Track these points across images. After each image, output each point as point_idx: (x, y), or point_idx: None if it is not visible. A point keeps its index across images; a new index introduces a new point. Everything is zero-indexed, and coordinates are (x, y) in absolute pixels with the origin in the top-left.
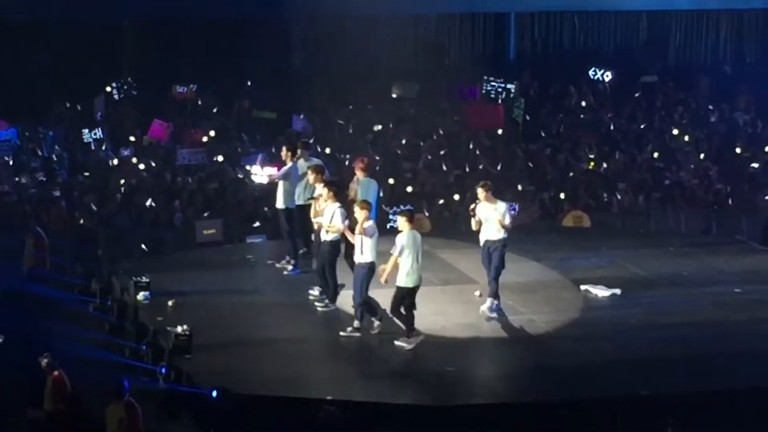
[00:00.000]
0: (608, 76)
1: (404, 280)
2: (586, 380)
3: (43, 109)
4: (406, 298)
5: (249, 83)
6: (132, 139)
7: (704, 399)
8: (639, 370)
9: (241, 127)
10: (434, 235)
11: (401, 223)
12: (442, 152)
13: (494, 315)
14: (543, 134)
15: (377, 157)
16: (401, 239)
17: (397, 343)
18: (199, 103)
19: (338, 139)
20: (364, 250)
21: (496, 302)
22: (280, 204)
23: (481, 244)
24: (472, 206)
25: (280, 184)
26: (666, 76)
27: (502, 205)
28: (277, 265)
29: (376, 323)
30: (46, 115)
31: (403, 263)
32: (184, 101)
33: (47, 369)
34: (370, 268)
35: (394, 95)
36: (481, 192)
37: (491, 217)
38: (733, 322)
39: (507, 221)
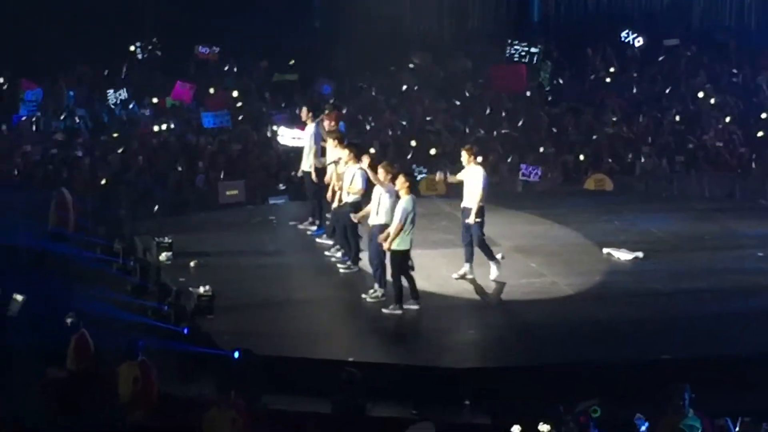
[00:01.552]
0: (639, 42)
1: (398, 243)
2: (607, 344)
3: (66, 69)
4: (405, 261)
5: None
6: (155, 100)
7: (726, 363)
8: (660, 333)
9: (263, 89)
10: (457, 197)
11: (402, 187)
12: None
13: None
14: (567, 97)
15: (404, 123)
16: (402, 204)
17: (386, 311)
18: (224, 67)
19: (360, 102)
20: (380, 211)
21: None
22: (306, 167)
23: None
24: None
25: (306, 146)
26: (689, 40)
27: (480, 172)
28: (300, 227)
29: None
30: (68, 76)
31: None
32: (206, 62)
33: (71, 328)
34: (385, 230)
35: (415, 61)
36: (464, 155)
37: (470, 183)
38: (755, 285)
39: (479, 189)
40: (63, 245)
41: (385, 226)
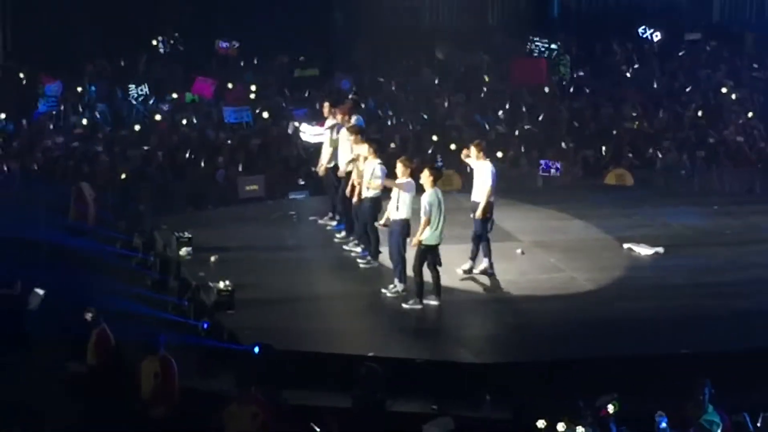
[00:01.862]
0: (657, 36)
1: (427, 238)
2: (627, 339)
3: (87, 64)
4: (428, 255)
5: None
6: (174, 96)
7: (746, 359)
8: (681, 329)
9: (283, 84)
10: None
11: (426, 181)
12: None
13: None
14: (587, 91)
15: (425, 116)
16: (427, 198)
17: (406, 306)
18: (241, 63)
19: (380, 97)
20: (400, 207)
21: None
22: (326, 162)
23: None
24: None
25: (326, 141)
26: (710, 33)
27: (488, 167)
28: (320, 222)
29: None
30: (89, 70)
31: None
32: (226, 57)
33: (91, 323)
34: (405, 225)
35: (438, 56)
36: (473, 150)
37: (479, 178)
38: None
39: (488, 185)
40: (83, 239)
41: (406, 221)
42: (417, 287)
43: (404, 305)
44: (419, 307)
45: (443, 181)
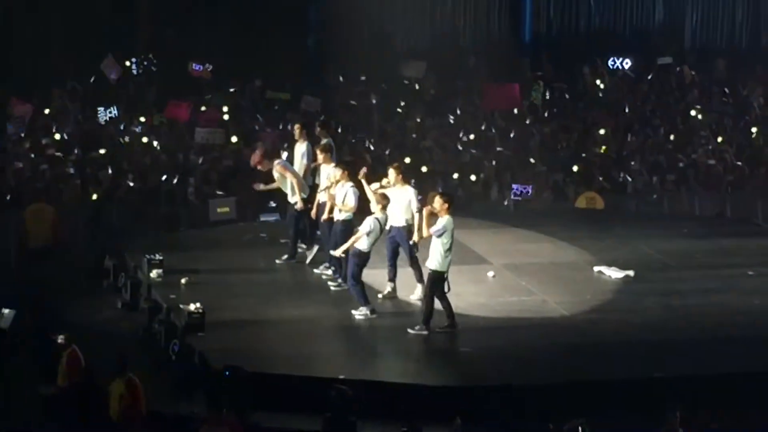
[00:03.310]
0: (627, 64)
1: (441, 263)
2: (597, 362)
3: (58, 84)
4: (441, 282)
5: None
6: (142, 119)
7: (717, 383)
8: (652, 352)
9: (255, 107)
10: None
11: (440, 206)
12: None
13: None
14: (558, 116)
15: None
16: (443, 222)
17: (412, 331)
18: (217, 84)
19: (351, 120)
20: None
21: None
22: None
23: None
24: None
25: (296, 165)
26: (682, 59)
27: (411, 190)
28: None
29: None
30: (60, 91)
31: (441, 246)
32: (199, 79)
33: (63, 345)
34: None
35: (404, 74)
36: (392, 173)
37: (399, 202)
38: (746, 305)
39: (414, 207)
40: (51, 261)
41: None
42: (427, 313)
43: (410, 330)
44: (425, 333)
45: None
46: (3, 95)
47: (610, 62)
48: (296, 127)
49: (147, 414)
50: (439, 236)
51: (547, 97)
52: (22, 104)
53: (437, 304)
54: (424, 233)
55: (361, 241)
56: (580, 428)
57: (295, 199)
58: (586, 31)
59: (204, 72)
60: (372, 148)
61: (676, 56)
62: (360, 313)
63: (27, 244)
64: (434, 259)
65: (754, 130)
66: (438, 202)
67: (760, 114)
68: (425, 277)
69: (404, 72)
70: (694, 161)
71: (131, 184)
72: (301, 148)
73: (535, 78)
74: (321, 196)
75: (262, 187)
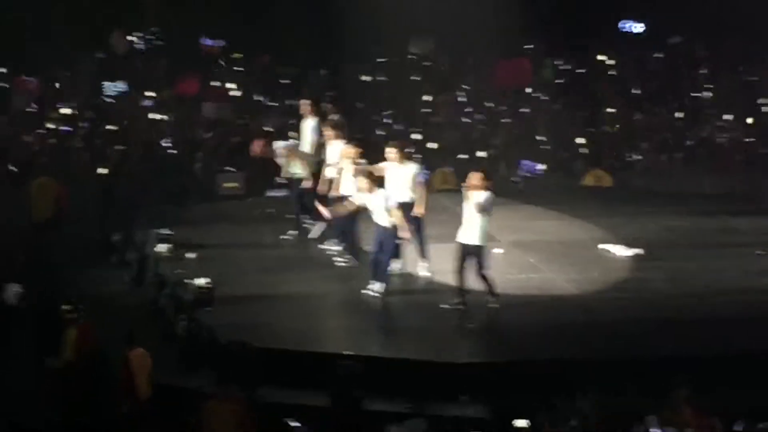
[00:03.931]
0: (638, 28)
1: (485, 238)
2: (605, 339)
3: (68, 58)
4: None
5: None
6: (152, 94)
7: (724, 362)
8: (658, 331)
9: (264, 83)
10: (456, 191)
11: (482, 182)
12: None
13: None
14: (567, 93)
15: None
16: (488, 197)
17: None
18: (223, 61)
19: (363, 96)
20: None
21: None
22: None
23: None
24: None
25: (305, 141)
26: (693, 35)
27: (412, 166)
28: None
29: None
30: (70, 65)
31: (484, 222)
32: (210, 55)
33: (72, 319)
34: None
35: (410, 51)
36: (390, 152)
37: (401, 178)
38: (753, 283)
39: (420, 179)
40: (58, 236)
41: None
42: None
43: (446, 306)
44: (462, 307)
45: (442, 180)
46: (10, 72)
47: (620, 25)
48: (304, 102)
49: (154, 388)
50: (484, 211)
51: (554, 74)
52: (29, 80)
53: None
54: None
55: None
56: (588, 406)
57: (302, 175)
58: (596, 6)
59: (215, 48)
60: (386, 123)
61: (687, 33)
62: (375, 290)
63: (32, 218)
64: (477, 234)
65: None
66: (478, 178)
67: None
68: (457, 252)
69: (412, 48)
70: (703, 139)
71: (139, 159)
72: (310, 123)
73: (545, 55)
74: (329, 172)
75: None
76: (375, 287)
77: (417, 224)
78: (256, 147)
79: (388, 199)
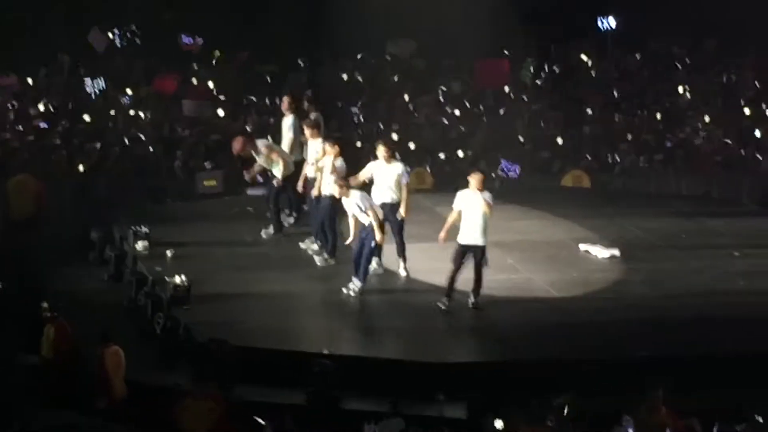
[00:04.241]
0: (613, 22)
1: (487, 237)
2: (582, 340)
3: (46, 56)
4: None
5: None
6: (129, 92)
7: (701, 363)
8: (636, 331)
9: (244, 80)
10: (435, 191)
11: (482, 182)
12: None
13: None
14: (546, 94)
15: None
16: (491, 196)
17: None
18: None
19: (342, 97)
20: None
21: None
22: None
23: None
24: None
25: (285, 138)
26: (671, 37)
27: (399, 166)
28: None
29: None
30: (48, 63)
31: (488, 220)
32: (189, 53)
33: (49, 317)
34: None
35: (389, 52)
36: (381, 149)
37: (388, 177)
38: (731, 285)
39: (403, 182)
40: (36, 233)
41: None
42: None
43: (472, 302)
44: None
45: (419, 180)
46: None
47: (598, 24)
48: (285, 99)
49: (130, 385)
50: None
51: (534, 74)
52: (7, 77)
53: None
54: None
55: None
56: (565, 405)
57: (277, 173)
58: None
59: (194, 45)
60: (362, 122)
61: (664, 34)
62: (353, 288)
63: (10, 215)
64: (482, 233)
65: (746, 111)
66: (479, 179)
67: (750, 95)
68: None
69: (391, 50)
70: (681, 141)
71: (118, 156)
72: (287, 121)
73: (523, 55)
74: (309, 171)
75: (253, 173)
76: (352, 285)
77: (399, 224)
78: (237, 145)
79: (365, 200)
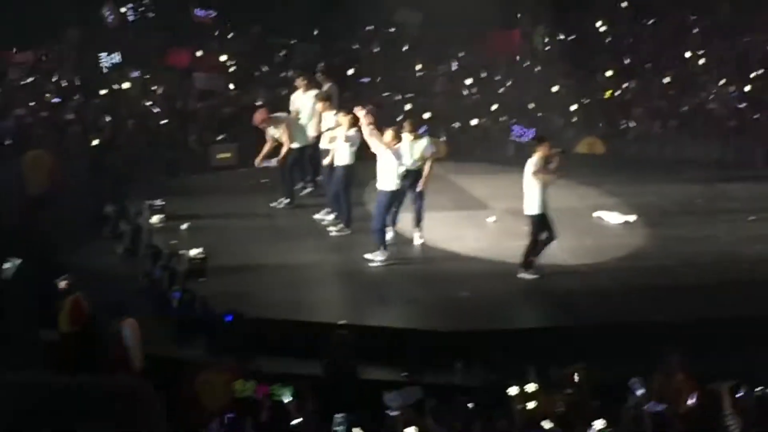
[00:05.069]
0: None
1: (542, 206)
2: (598, 306)
3: (59, 31)
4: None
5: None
6: (142, 66)
7: (716, 327)
8: (651, 297)
9: (256, 53)
10: (449, 159)
11: (543, 151)
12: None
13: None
14: (559, 60)
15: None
16: (533, 165)
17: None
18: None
19: (354, 65)
20: (386, 176)
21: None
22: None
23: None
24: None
25: (304, 116)
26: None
27: (424, 140)
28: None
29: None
30: (62, 38)
31: (533, 191)
32: (202, 25)
33: (66, 291)
34: (393, 195)
35: (398, 20)
36: (407, 126)
37: (415, 152)
38: (746, 250)
39: (428, 153)
40: (51, 208)
41: (393, 192)
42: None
43: (525, 276)
44: (529, 277)
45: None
46: (3, 45)
47: None
48: (300, 80)
49: (147, 359)
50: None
51: (547, 42)
52: (23, 52)
53: None
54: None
55: (387, 180)
56: (577, 373)
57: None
58: None
59: (207, 18)
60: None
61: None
62: (375, 258)
63: (26, 190)
64: (530, 202)
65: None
66: (542, 148)
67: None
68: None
69: (398, 18)
70: (696, 106)
71: (131, 130)
72: (310, 94)
73: (535, 23)
74: (323, 143)
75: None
76: (375, 256)
77: (419, 195)
78: (259, 115)
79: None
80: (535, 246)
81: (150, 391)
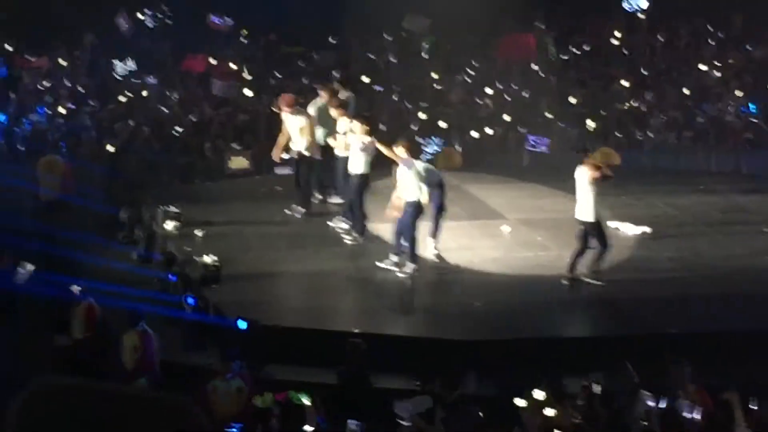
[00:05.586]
0: (645, 4)
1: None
2: (612, 317)
3: (75, 37)
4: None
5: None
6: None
7: (730, 339)
8: (665, 308)
9: (270, 61)
10: (463, 169)
11: (594, 158)
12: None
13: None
14: (575, 69)
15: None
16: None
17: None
18: (234, 37)
19: (367, 73)
20: (409, 189)
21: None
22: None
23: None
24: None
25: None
26: (698, 13)
27: (419, 165)
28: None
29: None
30: (78, 44)
31: (588, 197)
32: (218, 32)
33: (78, 297)
34: (418, 206)
35: (407, 27)
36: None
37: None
38: (760, 262)
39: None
40: (65, 213)
41: (417, 202)
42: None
43: (589, 281)
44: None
45: (446, 158)
46: (18, 50)
47: (625, 5)
48: (325, 94)
49: (160, 365)
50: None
51: (559, 53)
52: (38, 57)
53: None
54: None
55: (413, 191)
56: (593, 384)
57: (300, 147)
58: None
59: (224, 25)
60: (396, 102)
61: (692, 9)
62: (405, 270)
63: (39, 196)
64: (585, 208)
65: None
66: (593, 157)
67: None
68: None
69: (407, 25)
70: (711, 118)
71: (147, 136)
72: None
73: (548, 32)
74: (337, 150)
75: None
76: (405, 267)
77: (439, 207)
78: (286, 98)
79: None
80: (583, 252)
81: (199, 413)
